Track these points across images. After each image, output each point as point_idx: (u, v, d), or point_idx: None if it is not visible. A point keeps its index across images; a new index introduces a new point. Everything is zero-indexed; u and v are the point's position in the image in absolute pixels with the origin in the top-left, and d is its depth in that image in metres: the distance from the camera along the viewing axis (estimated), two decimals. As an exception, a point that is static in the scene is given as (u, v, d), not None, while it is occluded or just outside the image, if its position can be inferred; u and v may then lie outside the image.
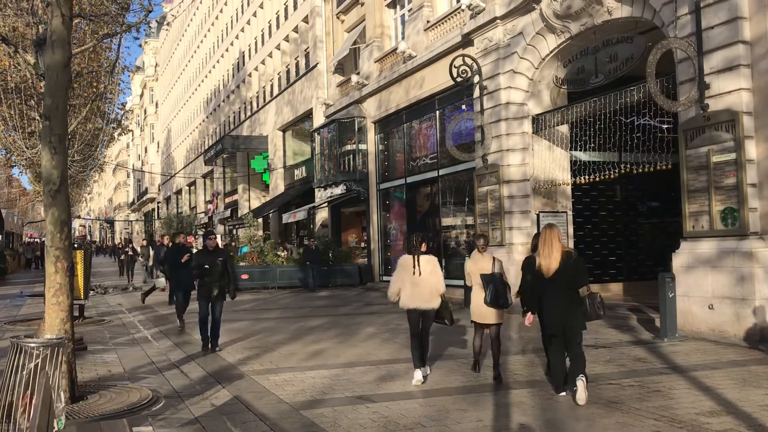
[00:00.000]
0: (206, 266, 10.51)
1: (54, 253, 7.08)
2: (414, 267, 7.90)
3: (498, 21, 16.19)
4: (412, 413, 6.64)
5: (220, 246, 12.61)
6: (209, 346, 10.64)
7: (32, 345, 5.08)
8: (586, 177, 14.80)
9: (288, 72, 34.75)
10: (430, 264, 7.97)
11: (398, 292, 8.01)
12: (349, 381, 8.15)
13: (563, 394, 7.08)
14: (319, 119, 28.71)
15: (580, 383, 6.71)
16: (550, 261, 6.97)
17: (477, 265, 8.27)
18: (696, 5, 10.94)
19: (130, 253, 29.63)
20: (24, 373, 4.96)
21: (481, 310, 8.13)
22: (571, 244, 15.51)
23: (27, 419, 4.90)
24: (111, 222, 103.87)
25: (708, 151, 10.87)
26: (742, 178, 10.41)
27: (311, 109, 29.90)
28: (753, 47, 10.55)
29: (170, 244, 18.26)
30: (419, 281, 7.88)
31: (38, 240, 62.89)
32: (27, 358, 5.01)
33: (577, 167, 15.59)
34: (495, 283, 8.04)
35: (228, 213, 44.17)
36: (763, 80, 10.45)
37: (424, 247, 8.06)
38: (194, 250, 16.15)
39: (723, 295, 10.46)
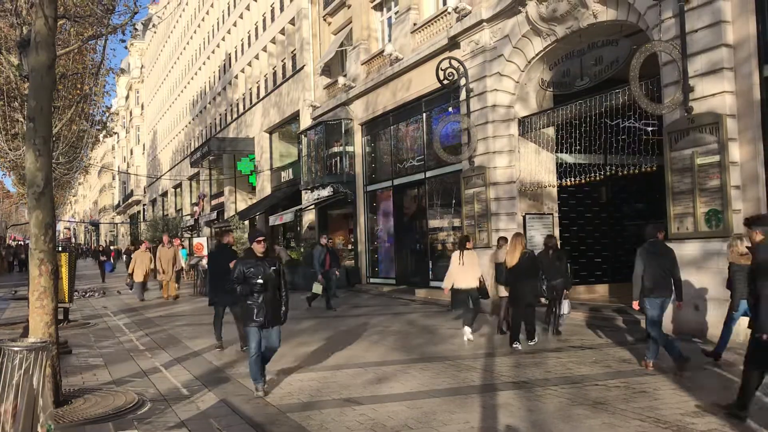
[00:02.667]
0: (260, 281, 7.52)
1: (38, 256, 7.02)
2: (460, 259, 11.19)
3: (484, 24, 16.24)
4: (399, 415, 6.65)
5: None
6: (264, 384, 7.75)
7: (16, 349, 5.03)
8: (572, 179, 14.87)
9: (275, 74, 34.67)
10: (471, 257, 11.30)
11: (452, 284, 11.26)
12: (336, 383, 8.14)
13: (516, 344, 10.26)
14: (306, 121, 28.67)
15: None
16: (512, 258, 10.50)
17: (467, 259, 11.30)
18: (680, 9, 11.04)
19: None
20: (8, 377, 4.91)
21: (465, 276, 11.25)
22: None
23: (11, 423, 4.85)
24: (96, 225, 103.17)
25: (692, 154, 10.96)
26: (726, 180, 10.50)
27: (298, 111, 29.85)
28: (736, 50, 10.66)
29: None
30: (464, 269, 11.17)
31: (21, 243, 62.33)
32: (10, 362, 4.96)
33: (563, 169, 15.67)
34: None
35: (214, 215, 43.96)
36: (746, 83, 10.56)
37: (469, 245, 11.49)
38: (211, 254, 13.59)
39: (708, 296, 10.54)
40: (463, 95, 16.89)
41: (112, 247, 60.32)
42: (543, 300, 11.34)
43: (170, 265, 20.83)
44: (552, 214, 16.23)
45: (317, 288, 16.69)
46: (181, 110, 56.99)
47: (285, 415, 6.74)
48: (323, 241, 17.67)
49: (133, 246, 36.08)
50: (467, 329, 11.02)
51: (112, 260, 33.56)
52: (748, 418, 6.14)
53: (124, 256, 35.26)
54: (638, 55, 11.42)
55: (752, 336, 6.14)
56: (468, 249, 11.41)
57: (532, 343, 10.55)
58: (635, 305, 8.64)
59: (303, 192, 28.16)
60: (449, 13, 17.95)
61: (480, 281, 11.42)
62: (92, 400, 7.42)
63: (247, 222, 34.33)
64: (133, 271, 20.84)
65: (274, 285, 7.68)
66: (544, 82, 15.72)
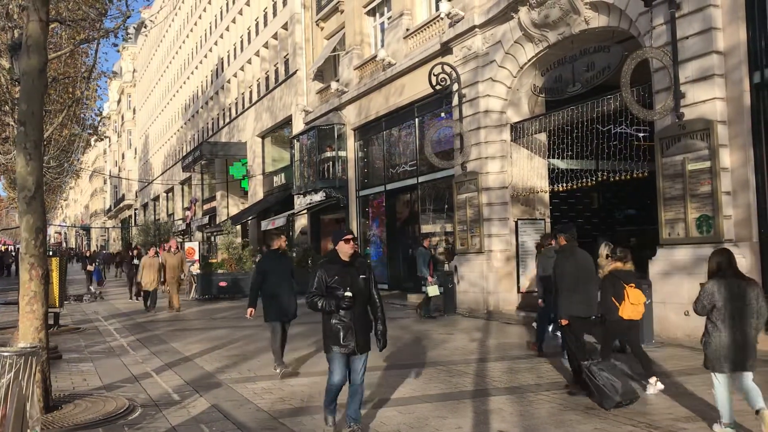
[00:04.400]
0: (349, 294, 5.84)
1: (29, 260, 6.98)
2: None
3: (477, 29, 16.30)
4: (391, 420, 6.63)
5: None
6: (334, 419, 6.34)
7: (5, 354, 4.99)
8: (564, 185, 14.91)
9: (267, 79, 34.66)
10: None
11: None
12: (328, 389, 8.11)
13: None
14: (298, 126, 28.66)
15: None
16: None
17: None
18: (671, 15, 11.11)
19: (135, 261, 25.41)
20: (-3, 382, 4.88)
21: None
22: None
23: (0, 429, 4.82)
24: (87, 229, 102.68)
25: (683, 160, 11.01)
26: (717, 185, 10.56)
27: (290, 115, 29.83)
28: (726, 57, 10.73)
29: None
30: None
31: (11, 247, 61.94)
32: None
33: (555, 175, 15.71)
34: None
35: (206, 220, 43.84)
36: (737, 89, 10.63)
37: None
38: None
39: (698, 302, 10.57)
40: (455, 101, 16.93)
41: (103, 251, 59.82)
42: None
43: (176, 273, 19.07)
44: (544, 219, 16.27)
45: (433, 290, 15.36)
46: (173, 114, 56.87)
47: (277, 421, 6.71)
48: (426, 243, 16.38)
49: (129, 251, 35.09)
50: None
51: (101, 268, 32.76)
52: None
53: (116, 268, 33.13)
54: (629, 61, 11.48)
55: (560, 325, 7.75)
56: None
57: None
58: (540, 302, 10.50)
59: (295, 197, 28.13)
60: (442, 18, 18.00)
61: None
62: (83, 406, 7.37)
63: (239, 227, 34.25)
64: (141, 280, 19.03)
65: (365, 298, 6.04)
66: (536, 87, 15.78)
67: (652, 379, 7.58)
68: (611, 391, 6.82)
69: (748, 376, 5.86)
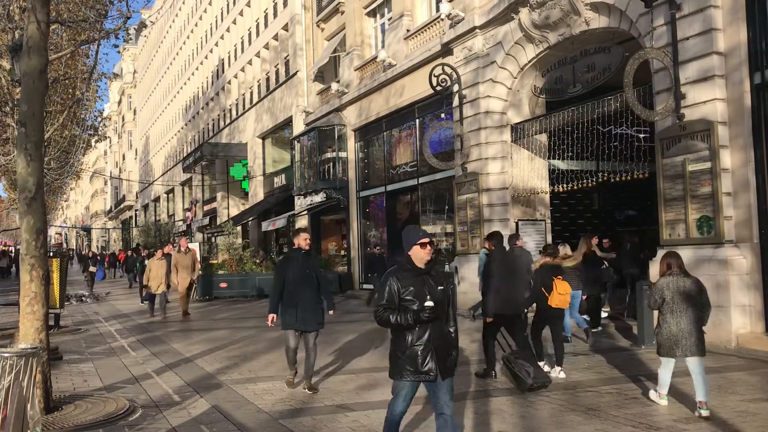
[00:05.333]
0: (430, 305, 4.80)
1: (29, 261, 6.98)
2: None
3: (477, 30, 16.30)
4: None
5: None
6: None
7: (6, 355, 4.99)
8: (565, 185, 14.92)
9: (268, 80, 34.67)
10: None
11: None
12: (328, 390, 8.12)
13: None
14: (299, 127, 28.66)
15: None
16: None
17: None
18: (671, 16, 11.11)
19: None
20: (-2, 383, 4.88)
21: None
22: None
23: (0, 430, 4.81)
24: (88, 230, 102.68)
25: (684, 160, 11.01)
26: (718, 186, 10.55)
27: (291, 116, 29.83)
28: (727, 58, 10.73)
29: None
30: None
31: (11, 248, 61.95)
32: (0, 368, 4.93)
33: (555, 176, 15.72)
34: None
35: (207, 221, 43.85)
36: (737, 90, 10.62)
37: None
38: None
39: (699, 303, 10.57)
40: (456, 101, 16.93)
41: (104, 252, 59.76)
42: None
43: (188, 275, 17.53)
44: (544, 220, 16.27)
45: None
46: (174, 115, 56.88)
47: (277, 422, 6.71)
48: (487, 245, 15.62)
49: (133, 251, 34.71)
50: None
51: (105, 266, 32.72)
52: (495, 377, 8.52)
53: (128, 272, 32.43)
54: (632, 61, 11.48)
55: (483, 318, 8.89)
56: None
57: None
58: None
59: (296, 197, 28.13)
60: (442, 19, 18.00)
61: None
62: (83, 407, 7.37)
63: (239, 228, 34.25)
64: (149, 282, 17.41)
65: (443, 313, 4.97)
66: (536, 88, 15.78)
67: (557, 368, 8.71)
68: (525, 376, 7.74)
69: (694, 361, 6.72)
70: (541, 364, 8.48)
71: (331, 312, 8.43)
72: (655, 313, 7.10)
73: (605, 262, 13.17)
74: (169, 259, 18.04)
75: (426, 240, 4.99)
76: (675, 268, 6.96)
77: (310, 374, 8.20)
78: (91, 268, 29.07)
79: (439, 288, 4.96)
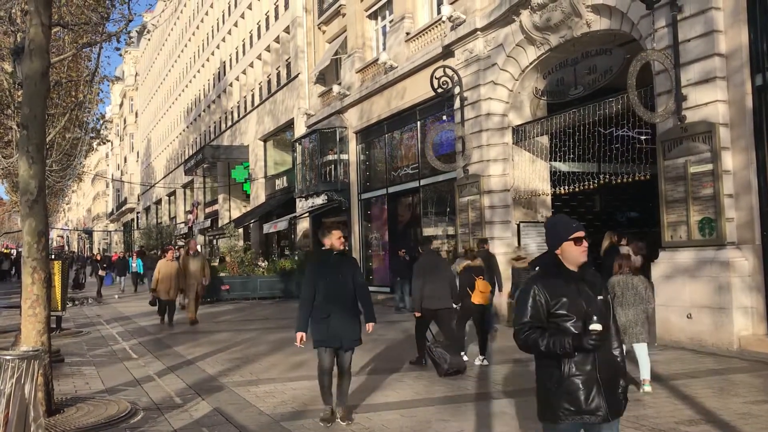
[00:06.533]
0: (597, 327, 3.45)
1: (31, 263, 6.98)
2: None
3: (479, 33, 16.31)
4: (393, 424, 6.62)
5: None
6: None
7: (7, 358, 5.00)
8: (566, 187, 14.91)
9: (269, 82, 34.71)
10: None
11: None
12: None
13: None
14: (300, 129, 28.69)
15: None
16: None
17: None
18: (673, 18, 11.10)
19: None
20: (0, 387, 4.88)
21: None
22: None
23: (2, 433, 4.82)
24: (89, 232, 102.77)
25: (685, 162, 11.00)
26: (719, 188, 10.54)
27: (292, 119, 29.87)
28: (728, 60, 10.72)
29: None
30: None
31: (13, 251, 61.97)
32: (1, 371, 4.93)
33: (557, 178, 15.71)
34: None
35: (208, 223, 43.90)
36: (739, 92, 10.61)
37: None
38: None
39: (701, 305, 10.56)
40: (457, 104, 16.93)
41: (107, 254, 59.64)
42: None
43: (198, 280, 16.25)
44: (546, 222, 16.24)
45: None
46: (176, 118, 56.96)
47: (278, 424, 6.70)
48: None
49: (137, 253, 34.37)
50: None
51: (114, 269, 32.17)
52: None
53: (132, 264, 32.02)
54: (635, 63, 11.46)
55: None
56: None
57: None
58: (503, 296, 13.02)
59: (297, 200, 28.15)
60: (443, 22, 18.00)
61: None
62: (85, 409, 7.37)
63: (241, 230, 34.27)
64: (156, 287, 15.94)
65: (608, 333, 3.64)
66: (537, 90, 15.78)
67: (480, 357, 9.87)
68: (442, 363, 8.79)
69: (639, 346, 7.81)
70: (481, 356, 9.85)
71: (371, 326, 7.01)
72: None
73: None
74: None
75: (581, 233, 3.72)
76: (625, 268, 8.04)
77: (344, 401, 6.85)
78: (101, 272, 29.01)
79: (599, 298, 3.69)
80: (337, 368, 6.84)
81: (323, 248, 6.99)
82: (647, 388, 7.65)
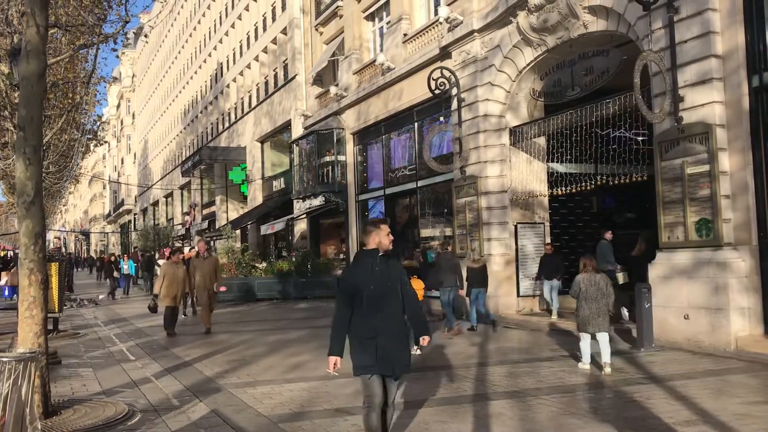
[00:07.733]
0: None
1: (28, 265, 6.97)
2: None
3: (476, 34, 16.32)
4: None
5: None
6: None
7: (4, 360, 4.99)
8: (563, 188, 14.91)
9: (266, 83, 34.71)
10: None
11: None
12: (328, 393, 8.10)
13: None
14: (297, 130, 28.69)
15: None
16: None
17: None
18: (669, 20, 11.12)
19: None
20: (-4, 388, 4.87)
21: None
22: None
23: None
24: (86, 234, 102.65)
25: (682, 163, 11.02)
26: (716, 189, 10.56)
27: (290, 120, 29.87)
28: (725, 61, 10.74)
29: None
30: None
31: (10, 252, 61.80)
32: (-1, 373, 4.92)
33: (554, 179, 15.72)
34: None
35: (205, 224, 43.86)
36: (736, 93, 10.64)
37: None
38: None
39: (698, 305, 10.57)
40: (454, 105, 16.94)
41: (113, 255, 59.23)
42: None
43: (210, 284, 14.73)
44: (543, 223, 16.27)
45: (622, 277, 13.93)
46: (173, 119, 56.93)
47: (276, 426, 6.70)
48: (608, 236, 14.62)
49: (140, 252, 33.88)
50: None
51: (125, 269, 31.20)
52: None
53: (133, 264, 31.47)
54: (638, 62, 11.44)
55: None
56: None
57: None
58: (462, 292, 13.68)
59: (295, 201, 28.15)
60: (441, 23, 18.02)
61: None
62: (82, 411, 7.35)
63: (238, 231, 34.24)
64: (160, 291, 14.41)
65: None
66: (535, 91, 15.79)
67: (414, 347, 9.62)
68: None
69: (602, 335, 9.00)
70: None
71: (426, 340, 5.52)
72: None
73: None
74: (188, 264, 15.91)
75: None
76: (589, 267, 9.13)
77: None
78: (115, 274, 28.82)
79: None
80: (383, 402, 5.38)
81: (364, 248, 5.58)
82: (608, 369, 8.82)
